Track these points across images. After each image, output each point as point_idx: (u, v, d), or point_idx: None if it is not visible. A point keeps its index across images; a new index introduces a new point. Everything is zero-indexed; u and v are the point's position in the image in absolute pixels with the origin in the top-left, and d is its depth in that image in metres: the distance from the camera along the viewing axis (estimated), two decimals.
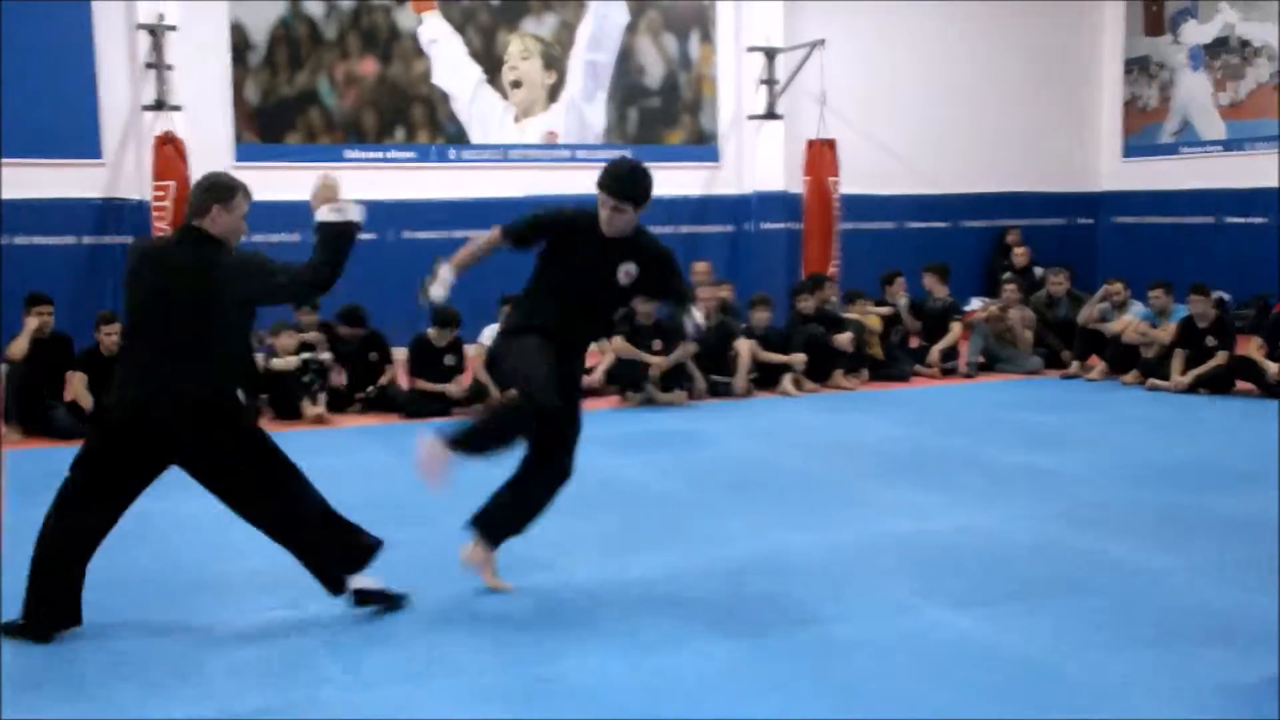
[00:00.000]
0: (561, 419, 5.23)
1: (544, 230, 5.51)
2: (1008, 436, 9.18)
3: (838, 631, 4.92)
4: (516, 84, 15.01)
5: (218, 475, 4.99)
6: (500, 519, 5.44)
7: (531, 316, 5.36)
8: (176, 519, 6.35)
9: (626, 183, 5.29)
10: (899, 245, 16.46)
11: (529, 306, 5.44)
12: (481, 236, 5.51)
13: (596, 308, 5.57)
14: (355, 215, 4.94)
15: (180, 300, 4.86)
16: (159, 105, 13.12)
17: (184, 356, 4.84)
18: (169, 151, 12.73)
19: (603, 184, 5.28)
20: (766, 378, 11.34)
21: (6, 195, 12.77)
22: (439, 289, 5.33)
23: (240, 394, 5.18)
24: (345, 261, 4.95)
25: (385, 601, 5.19)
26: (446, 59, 14.66)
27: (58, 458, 4.85)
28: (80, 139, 13.14)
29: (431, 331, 10.51)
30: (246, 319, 5.14)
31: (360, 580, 5.14)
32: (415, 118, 14.66)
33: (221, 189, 5.02)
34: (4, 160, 12.73)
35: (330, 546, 5.11)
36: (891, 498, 7.24)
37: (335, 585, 5.11)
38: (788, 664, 4.59)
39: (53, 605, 4.94)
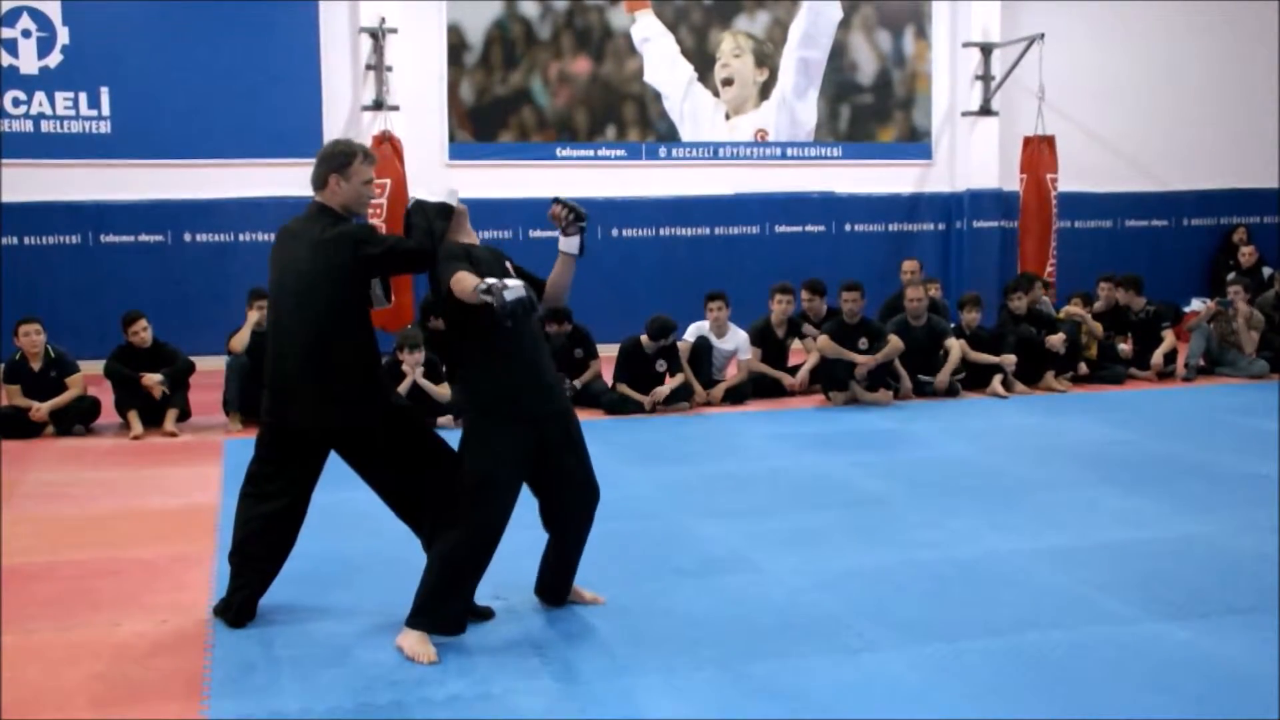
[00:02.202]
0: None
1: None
2: (1229, 442, 8.82)
3: (1051, 638, 4.81)
4: (728, 81, 15.05)
5: (362, 456, 4.89)
6: (558, 578, 5.21)
7: (500, 395, 4.73)
8: None
9: None
10: (1118, 244, 16.00)
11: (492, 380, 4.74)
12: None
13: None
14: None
15: (299, 279, 4.73)
16: (378, 105, 13.55)
17: (309, 338, 4.73)
18: (386, 150, 13.10)
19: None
20: (976, 378, 11.13)
21: (235, 195, 13.38)
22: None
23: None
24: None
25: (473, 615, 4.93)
26: (658, 57, 14.78)
27: None
28: (304, 139, 13.63)
29: (645, 339, 10.45)
30: (363, 293, 4.82)
31: None
32: (627, 116, 14.82)
33: (337, 156, 4.81)
34: (233, 161, 13.37)
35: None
36: (1106, 503, 7.04)
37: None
38: (997, 670, 4.50)
39: (237, 592, 4.97)
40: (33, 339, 9.52)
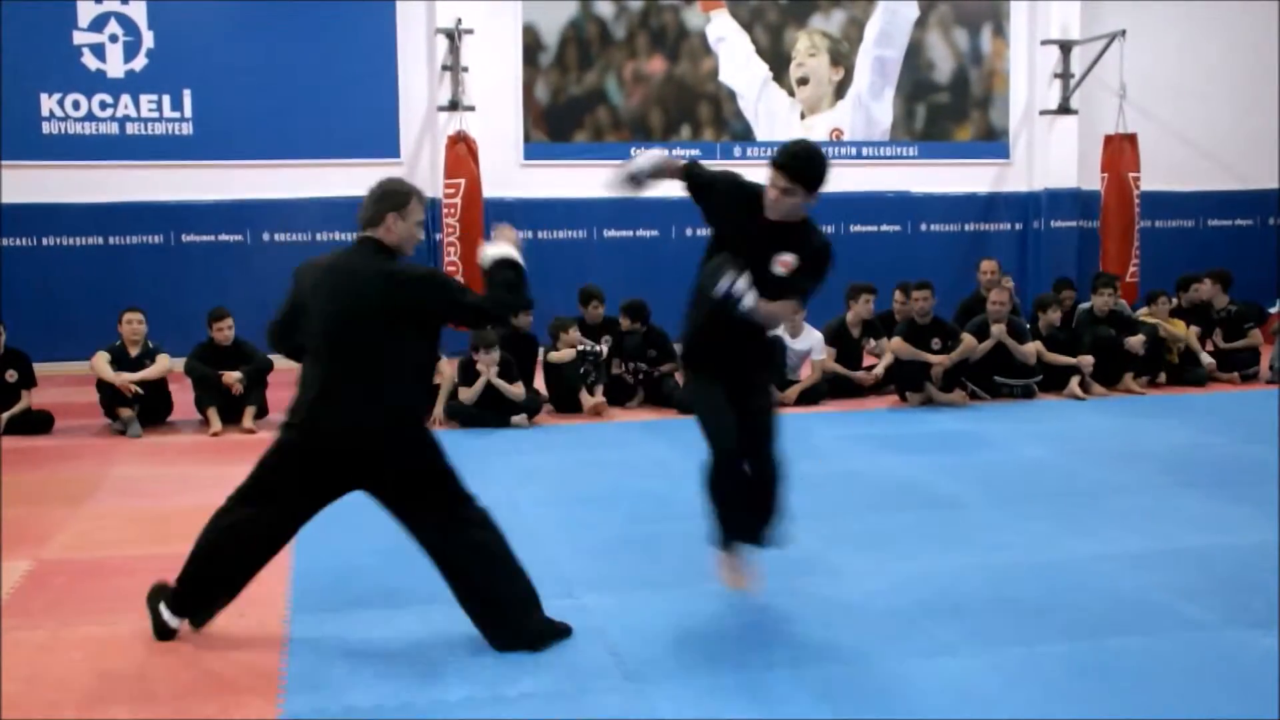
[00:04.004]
0: (746, 440, 5.06)
1: (714, 187, 5.32)
2: None
3: (1130, 644, 4.74)
4: (803, 81, 15.00)
5: (401, 499, 4.71)
6: (734, 526, 5.17)
7: (691, 327, 5.24)
8: None
9: (802, 162, 5.03)
10: (1201, 244, 15.75)
11: (692, 309, 5.27)
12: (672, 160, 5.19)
13: None
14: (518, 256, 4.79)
15: (366, 317, 4.59)
16: (453, 106, 13.65)
17: (371, 375, 4.58)
18: (460, 150, 13.20)
19: (775, 160, 5.02)
20: (1053, 380, 11.00)
21: (313, 195, 13.53)
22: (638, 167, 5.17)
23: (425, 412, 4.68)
24: (524, 293, 4.76)
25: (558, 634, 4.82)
26: (733, 57, 14.77)
27: None
28: (381, 140, 13.79)
29: None
30: (431, 334, 4.76)
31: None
32: (701, 115, 14.82)
33: (396, 195, 4.75)
34: (311, 161, 13.54)
35: (501, 600, 4.74)
36: (1185, 508, 6.92)
37: (496, 639, 4.72)
38: (1076, 675, 4.45)
39: (194, 593, 4.89)
40: (135, 326, 9.90)
